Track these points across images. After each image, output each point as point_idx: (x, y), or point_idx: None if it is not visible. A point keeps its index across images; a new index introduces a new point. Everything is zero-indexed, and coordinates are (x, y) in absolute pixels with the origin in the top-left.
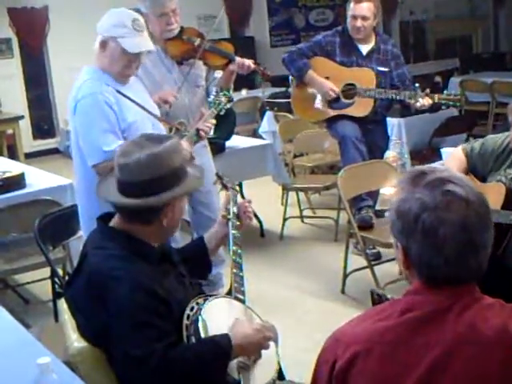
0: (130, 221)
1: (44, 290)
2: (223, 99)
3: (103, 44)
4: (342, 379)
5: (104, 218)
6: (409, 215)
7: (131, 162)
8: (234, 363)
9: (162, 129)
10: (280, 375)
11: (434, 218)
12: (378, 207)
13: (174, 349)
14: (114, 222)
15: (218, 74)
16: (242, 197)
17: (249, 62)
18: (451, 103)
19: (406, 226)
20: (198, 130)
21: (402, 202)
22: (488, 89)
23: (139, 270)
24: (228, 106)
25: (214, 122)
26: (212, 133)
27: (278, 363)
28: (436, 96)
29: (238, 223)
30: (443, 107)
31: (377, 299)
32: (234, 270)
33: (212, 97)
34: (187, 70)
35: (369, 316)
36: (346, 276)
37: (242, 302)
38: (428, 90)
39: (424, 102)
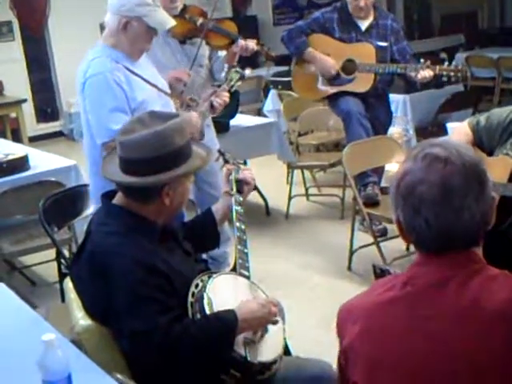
0: (131, 199)
1: (50, 272)
2: (234, 76)
3: (125, 24)
4: (348, 353)
5: (109, 195)
6: (393, 183)
7: (132, 139)
8: (240, 339)
9: (172, 107)
10: (286, 352)
11: (412, 179)
12: (383, 184)
13: (178, 323)
14: (117, 199)
15: (222, 52)
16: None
17: (252, 45)
18: (452, 74)
19: (393, 195)
20: (212, 105)
21: (395, 174)
22: (494, 64)
23: (140, 246)
24: (239, 83)
25: (227, 95)
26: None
27: (284, 340)
28: (437, 67)
29: (241, 199)
30: (444, 79)
31: (379, 273)
32: (239, 247)
33: (223, 73)
34: (194, 50)
35: (376, 288)
36: (352, 253)
37: (247, 278)
38: (429, 62)
39: (425, 73)
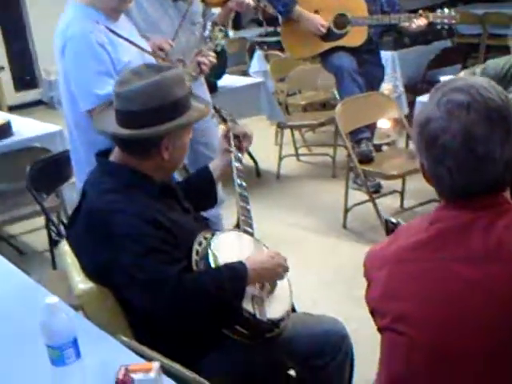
0: (128, 154)
1: (39, 241)
2: (219, 34)
3: None
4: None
5: (103, 154)
6: (416, 128)
7: (129, 90)
8: (248, 296)
9: None
10: (292, 309)
11: (435, 128)
12: (375, 141)
13: (188, 273)
14: (113, 155)
15: (216, 10)
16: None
17: (248, 1)
18: (446, 21)
19: (417, 141)
20: (198, 64)
21: (417, 117)
22: (479, 20)
23: (139, 201)
24: (223, 42)
25: (214, 55)
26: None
27: (291, 297)
28: (431, 15)
29: (240, 155)
30: (438, 27)
31: (392, 227)
32: (241, 203)
33: (207, 32)
34: (185, 7)
35: (400, 233)
36: (347, 210)
37: (251, 234)
38: (421, 11)
39: (419, 22)
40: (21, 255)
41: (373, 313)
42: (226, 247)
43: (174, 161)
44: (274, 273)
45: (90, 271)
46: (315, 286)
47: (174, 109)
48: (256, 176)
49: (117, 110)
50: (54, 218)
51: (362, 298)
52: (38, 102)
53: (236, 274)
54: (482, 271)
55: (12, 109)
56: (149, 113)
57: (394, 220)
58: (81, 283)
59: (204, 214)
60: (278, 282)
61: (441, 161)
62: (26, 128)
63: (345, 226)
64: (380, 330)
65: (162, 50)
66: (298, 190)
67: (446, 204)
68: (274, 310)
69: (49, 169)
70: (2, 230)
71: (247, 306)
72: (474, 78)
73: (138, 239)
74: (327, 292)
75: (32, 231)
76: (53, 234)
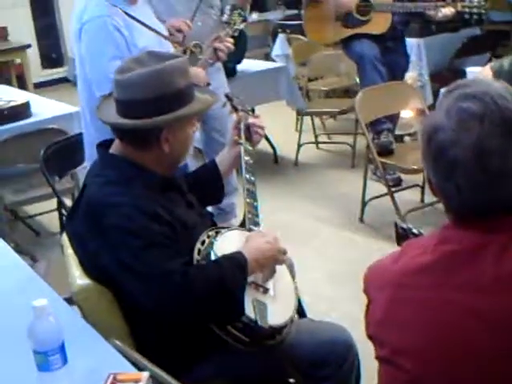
0: (127, 145)
1: (54, 222)
2: (237, 19)
3: None
4: (375, 325)
5: (105, 145)
6: (423, 136)
7: (128, 78)
8: (249, 301)
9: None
10: (301, 312)
11: (444, 139)
12: (397, 131)
13: (192, 266)
14: (114, 147)
15: None
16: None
17: None
18: (475, 11)
19: (424, 151)
20: (215, 50)
21: (425, 122)
22: (510, 7)
23: (138, 194)
24: (241, 26)
25: (231, 41)
26: None
27: (297, 299)
28: (459, 4)
29: (250, 148)
30: (466, 16)
31: (401, 233)
32: (247, 200)
33: (226, 16)
34: None
35: (406, 251)
36: (364, 204)
37: None
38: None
39: (446, 11)
40: (36, 236)
41: (371, 338)
42: (229, 247)
43: (176, 154)
44: (274, 259)
45: (88, 266)
46: (326, 282)
47: (175, 99)
48: (273, 162)
49: (116, 98)
50: (69, 201)
51: None
52: (63, 80)
53: (236, 262)
54: (491, 301)
55: (37, 86)
56: (148, 102)
57: (404, 225)
58: (79, 279)
59: None
60: (282, 284)
61: (449, 176)
62: (46, 109)
63: (361, 220)
64: (378, 359)
65: (179, 31)
66: (316, 179)
67: (455, 222)
68: (277, 315)
69: (63, 151)
70: (19, 209)
71: (248, 311)
72: (490, 82)
73: (137, 233)
74: (338, 289)
75: (47, 212)
76: (64, 218)
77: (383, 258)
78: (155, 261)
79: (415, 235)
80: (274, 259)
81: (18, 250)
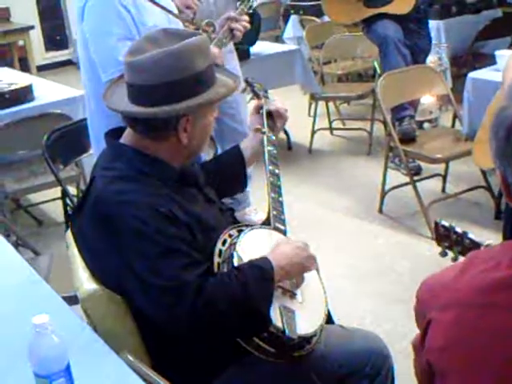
0: (140, 135)
1: (58, 211)
2: None
3: None
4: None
5: (114, 134)
6: (500, 132)
7: (142, 60)
8: (276, 308)
9: None
10: (329, 319)
11: None
12: (417, 118)
13: (209, 277)
14: (125, 137)
15: None
16: None
17: None
18: None
19: (500, 146)
20: (231, 30)
21: (499, 113)
22: None
23: (152, 191)
24: (255, 3)
25: (247, 19)
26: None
27: (326, 305)
28: None
29: (274, 138)
30: None
31: (443, 232)
32: (272, 194)
33: None
34: None
35: (472, 263)
36: (384, 194)
37: (283, 232)
38: None
39: None
40: (39, 226)
41: (430, 365)
42: (254, 248)
43: (195, 144)
44: (302, 267)
45: (93, 269)
46: (342, 276)
47: (196, 83)
48: (287, 149)
49: (128, 83)
50: (74, 189)
51: (395, 295)
52: (68, 62)
53: (262, 273)
54: None
55: (40, 69)
56: (165, 87)
57: (446, 224)
58: (86, 282)
59: None
60: (311, 288)
61: None
62: (49, 92)
63: (381, 211)
64: None
65: (188, 8)
66: (331, 167)
67: None
68: (306, 322)
69: (68, 137)
70: (21, 198)
71: (274, 319)
72: None
73: (151, 238)
74: (357, 284)
75: (51, 200)
76: (68, 208)
77: (442, 271)
78: (169, 272)
79: (459, 235)
80: (302, 267)
81: (20, 243)
